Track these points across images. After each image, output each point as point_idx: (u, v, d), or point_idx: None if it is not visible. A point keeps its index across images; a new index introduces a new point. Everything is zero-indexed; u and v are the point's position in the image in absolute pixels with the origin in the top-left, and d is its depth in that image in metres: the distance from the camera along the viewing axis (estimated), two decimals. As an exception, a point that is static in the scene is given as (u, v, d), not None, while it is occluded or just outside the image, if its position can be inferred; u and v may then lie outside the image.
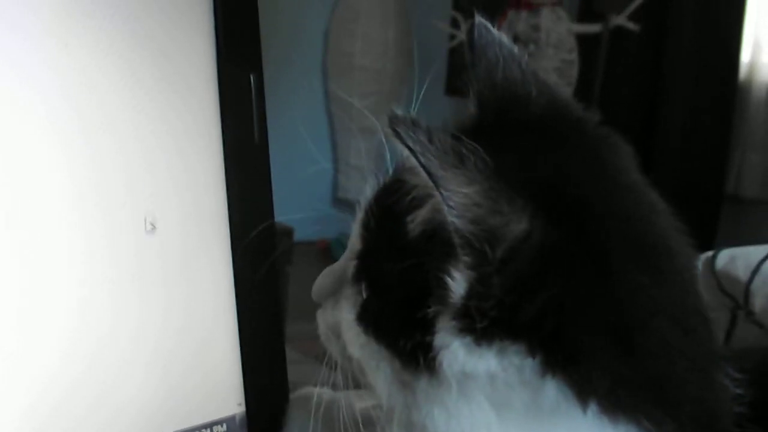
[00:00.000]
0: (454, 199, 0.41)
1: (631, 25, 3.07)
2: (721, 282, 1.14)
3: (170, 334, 0.56)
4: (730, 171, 3.29)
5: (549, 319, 0.42)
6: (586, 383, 0.42)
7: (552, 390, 0.42)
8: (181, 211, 0.57)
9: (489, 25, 0.52)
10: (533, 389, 0.42)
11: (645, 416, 0.42)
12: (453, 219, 0.41)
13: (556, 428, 0.43)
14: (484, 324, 0.42)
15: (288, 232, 2.30)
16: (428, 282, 0.44)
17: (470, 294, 0.42)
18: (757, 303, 1.24)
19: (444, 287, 0.43)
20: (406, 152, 0.41)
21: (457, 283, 0.43)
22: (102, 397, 0.53)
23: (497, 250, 0.41)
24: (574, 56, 3.12)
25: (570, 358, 0.42)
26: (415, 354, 0.45)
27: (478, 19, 0.51)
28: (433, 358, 0.44)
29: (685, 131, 3.27)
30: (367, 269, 0.49)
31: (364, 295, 0.48)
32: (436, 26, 3.48)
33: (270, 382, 0.61)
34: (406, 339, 0.45)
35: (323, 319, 0.53)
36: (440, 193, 0.41)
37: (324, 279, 0.53)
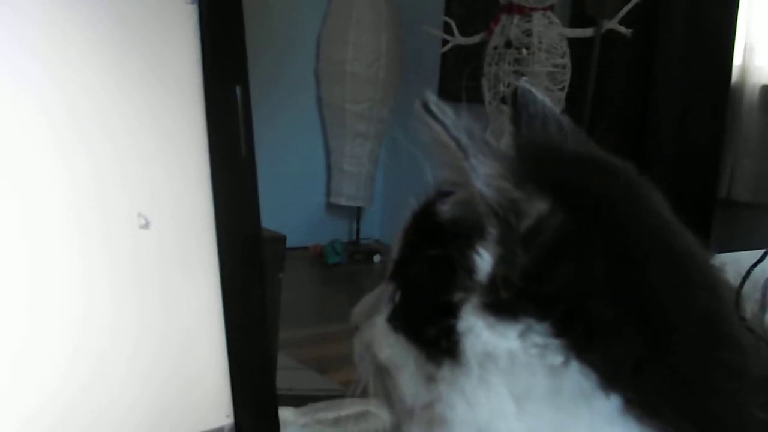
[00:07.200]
0: (482, 168, 0.44)
1: (623, 30, 3.08)
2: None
3: (158, 346, 0.56)
4: (722, 175, 3.30)
5: (570, 293, 0.43)
6: (609, 365, 0.42)
7: (574, 373, 0.42)
8: (169, 221, 0.57)
9: (533, 89, 0.55)
10: (555, 373, 0.43)
11: (668, 420, 0.42)
12: (480, 186, 0.44)
13: (578, 420, 0.43)
14: (509, 295, 0.44)
15: (280, 240, 2.30)
16: (455, 268, 0.46)
17: (496, 266, 0.44)
18: (748, 308, 1.24)
19: (471, 267, 0.45)
20: (437, 128, 0.45)
21: (484, 260, 0.45)
22: (97, 417, 0.54)
23: (522, 221, 0.44)
24: (566, 61, 3.13)
25: (593, 335, 0.43)
26: (438, 342, 0.46)
27: (522, 83, 0.55)
28: (456, 343, 0.45)
29: (677, 135, 3.27)
30: (401, 270, 0.51)
31: (397, 298, 0.50)
32: (427, 32, 3.48)
33: (258, 393, 0.61)
34: (432, 327, 0.46)
35: (359, 340, 0.53)
36: (469, 162, 0.44)
37: (363, 302, 0.55)
